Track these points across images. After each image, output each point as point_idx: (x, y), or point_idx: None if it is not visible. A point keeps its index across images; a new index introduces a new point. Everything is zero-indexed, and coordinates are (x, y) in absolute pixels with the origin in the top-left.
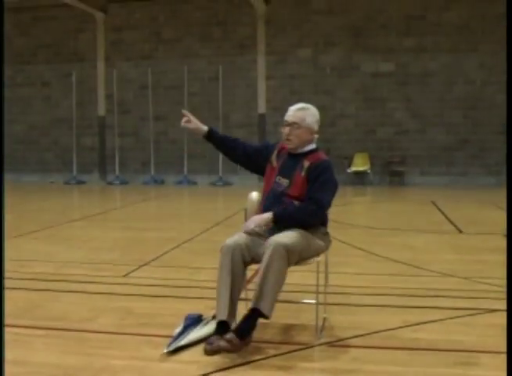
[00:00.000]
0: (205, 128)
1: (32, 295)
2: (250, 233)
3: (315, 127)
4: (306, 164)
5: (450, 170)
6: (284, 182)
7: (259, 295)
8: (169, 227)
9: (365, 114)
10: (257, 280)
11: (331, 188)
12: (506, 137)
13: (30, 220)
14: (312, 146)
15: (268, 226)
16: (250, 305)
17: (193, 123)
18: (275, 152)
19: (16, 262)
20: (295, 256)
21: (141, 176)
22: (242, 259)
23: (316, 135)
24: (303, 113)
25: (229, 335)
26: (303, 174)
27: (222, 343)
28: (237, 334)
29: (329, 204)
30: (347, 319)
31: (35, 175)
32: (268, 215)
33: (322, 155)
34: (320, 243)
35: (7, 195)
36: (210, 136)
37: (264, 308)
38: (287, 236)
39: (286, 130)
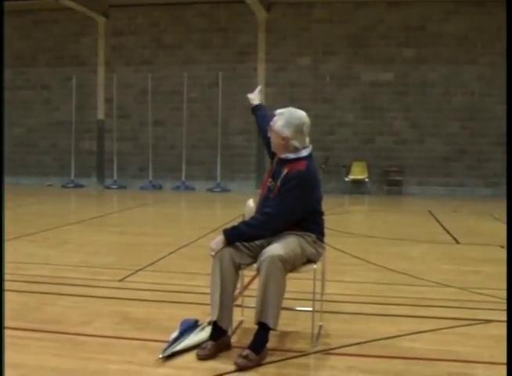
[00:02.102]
0: (255, 102)
1: (28, 298)
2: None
3: (286, 132)
4: (284, 171)
5: (448, 180)
6: (272, 185)
7: (262, 309)
8: (166, 232)
9: (363, 123)
10: (257, 293)
11: (290, 198)
12: (505, 148)
13: (27, 223)
14: (300, 154)
15: (226, 245)
16: (255, 319)
17: (254, 94)
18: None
19: (12, 265)
20: (290, 265)
21: (139, 181)
22: (232, 262)
23: (294, 142)
24: (277, 117)
25: (245, 352)
26: (279, 182)
27: (239, 360)
28: (252, 350)
29: (281, 213)
30: (343, 327)
31: (33, 178)
32: (220, 237)
33: (301, 165)
34: (312, 250)
35: (5, 197)
36: (253, 112)
37: (269, 321)
38: (281, 246)
39: (269, 134)
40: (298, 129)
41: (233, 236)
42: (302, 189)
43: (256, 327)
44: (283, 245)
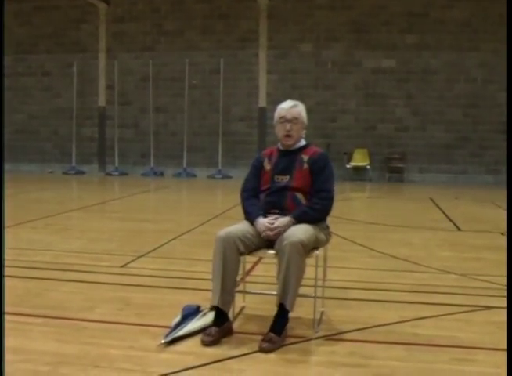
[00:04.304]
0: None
1: (30, 284)
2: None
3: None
4: (305, 157)
5: (449, 168)
6: (284, 178)
7: (283, 291)
8: (167, 219)
9: (365, 110)
10: (279, 276)
11: (333, 178)
12: (506, 136)
13: (28, 210)
14: (304, 142)
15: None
16: (276, 301)
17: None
18: (266, 159)
19: (13, 251)
20: (310, 249)
21: (140, 168)
22: (235, 248)
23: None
24: (298, 109)
25: (269, 335)
26: (305, 167)
27: (264, 345)
28: (275, 332)
29: (333, 190)
30: (344, 313)
31: (34, 164)
32: (289, 219)
33: (317, 148)
34: (322, 236)
35: (5, 184)
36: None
37: (288, 303)
38: (301, 231)
39: (287, 126)
40: None
41: (300, 219)
42: (331, 167)
43: (260, 312)
44: (303, 230)
